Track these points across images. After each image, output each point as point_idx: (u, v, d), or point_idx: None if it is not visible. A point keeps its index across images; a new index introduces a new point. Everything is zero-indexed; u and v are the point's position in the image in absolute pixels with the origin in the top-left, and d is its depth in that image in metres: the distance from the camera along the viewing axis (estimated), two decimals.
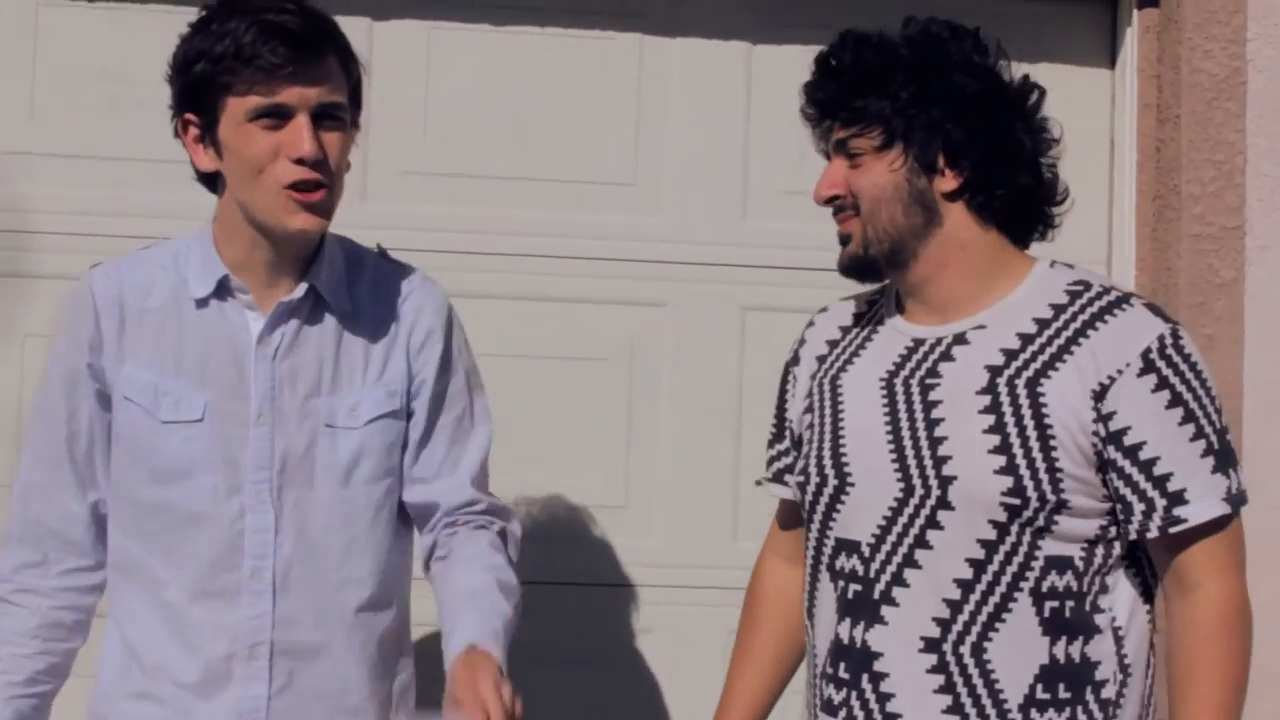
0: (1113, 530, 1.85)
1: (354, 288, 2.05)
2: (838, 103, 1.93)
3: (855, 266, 1.95)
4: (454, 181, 3.23)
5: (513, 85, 3.26)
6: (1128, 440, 1.81)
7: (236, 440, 1.96)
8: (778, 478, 2.14)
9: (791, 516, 2.14)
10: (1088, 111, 3.33)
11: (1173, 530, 1.81)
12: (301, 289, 1.99)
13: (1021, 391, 1.83)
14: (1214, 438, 1.82)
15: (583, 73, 3.27)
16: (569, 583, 3.23)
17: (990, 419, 1.84)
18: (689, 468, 3.22)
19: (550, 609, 3.22)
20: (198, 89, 1.90)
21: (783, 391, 2.14)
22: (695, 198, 3.28)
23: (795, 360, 2.13)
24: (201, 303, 1.98)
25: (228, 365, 1.97)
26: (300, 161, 1.88)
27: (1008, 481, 1.81)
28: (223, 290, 1.98)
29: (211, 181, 2.00)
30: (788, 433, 2.12)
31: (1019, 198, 1.94)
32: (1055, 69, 3.33)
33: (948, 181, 1.89)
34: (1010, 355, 1.86)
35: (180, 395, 1.96)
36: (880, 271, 1.95)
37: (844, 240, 1.94)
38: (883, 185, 1.89)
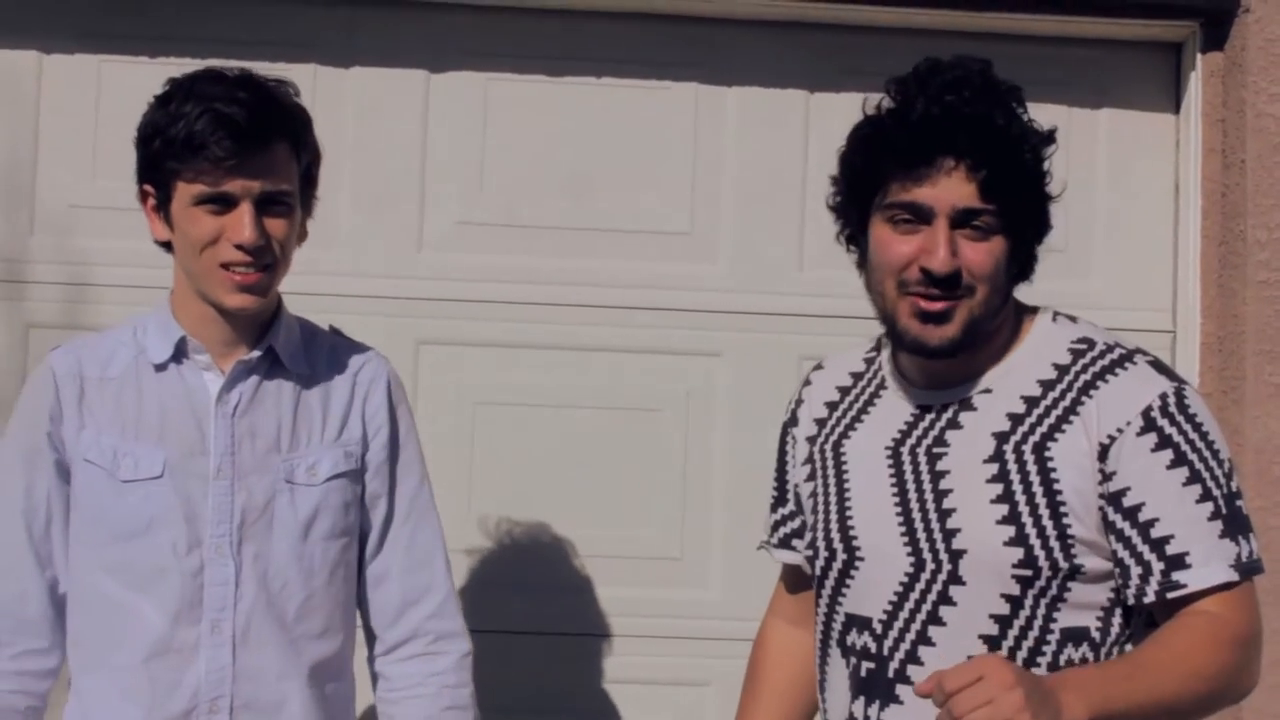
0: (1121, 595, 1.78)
1: (311, 354, 2.11)
2: (993, 170, 1.73)
3: (947, 350, 1.78)
4: (510, 232, 3.24)
5: (569, 136, 3.27)
6: (1127, 501, 1.72)
7: (197, 495, 1.99)
8: (784, 543, 2.08)
9: (796, 581, 2.10)
10: (1152, 157, 3.30)
11: (1170, 595, 1.71)
12: (259, 350, 2.05)
13: (1029, 457, 1.76)
14: (1223, 502, 1.72)
15: (639, 122, 3.27)
16: (626, 635, 3.21)
17: (998, 488, 1.77)
18: (746, 519, 3.18)
19: (607, 661, 3.20)
20: (153, 165, 1.98)
21: (782, 453, 2.08)
22: (752, 247, 3.27)
23: (794, 421, 2.06)
24: (160, 367, 2.03)
25: (187, 423, 2.01)
26: (240, 247, 1.94)
27: (1018, 552, 1.74)
28: (180, 354, 2.03)
29: (170, 246, 2.06)
30: (790, 497, 2.06)
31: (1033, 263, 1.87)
32: (1120, 114, 3.31)
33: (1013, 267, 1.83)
34: (1016, 420, 1.79)
35: (140, 455, 1.99)
36: (958, 355, 1.81)
37: (939, 318, 1.76)
38: (1000, 272, 1.77)
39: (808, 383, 2.06)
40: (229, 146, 1.90)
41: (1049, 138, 1.82)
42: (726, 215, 3.28)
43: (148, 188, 2.01)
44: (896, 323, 1.80)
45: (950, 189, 1.75)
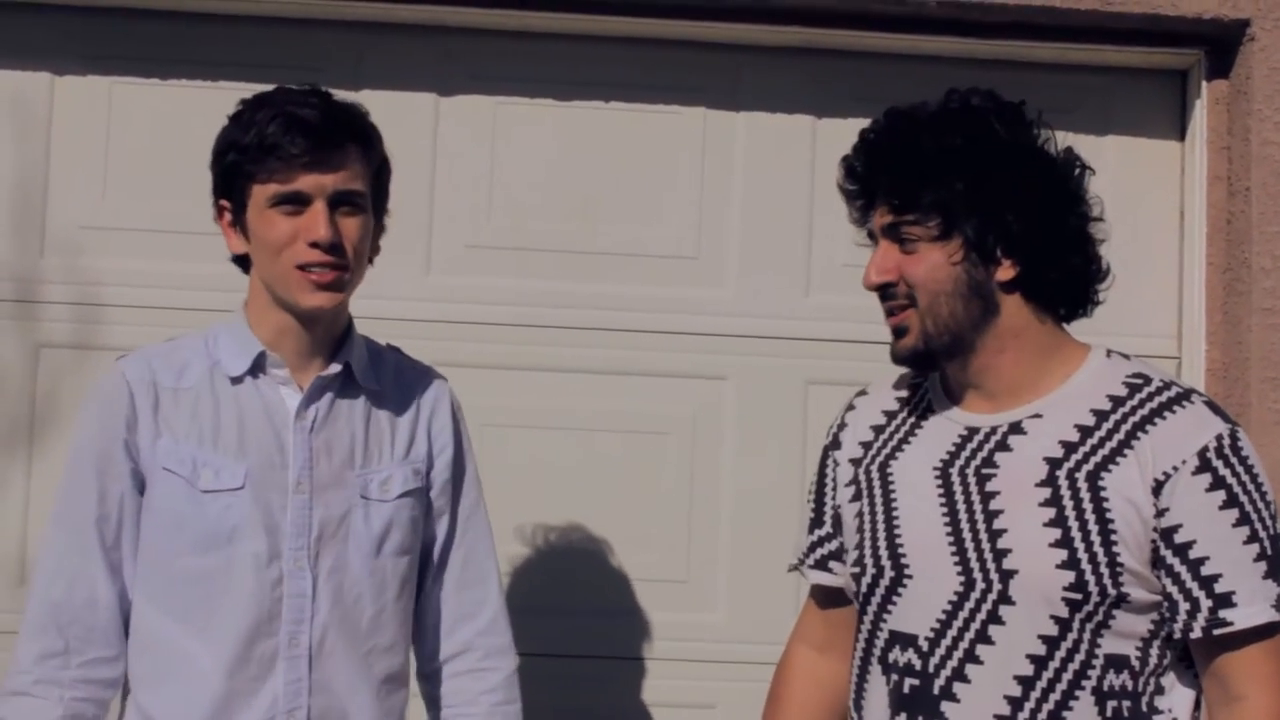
0: (1164, 628, 1.81)
1: (379, 372, 2.15)
2: (891, 188, 1.87)
3: (913, 359, 1.90)
4: (518, 255, 3.25)
5: (577, 160, 3.28)
6: (1178, 538, 1.77)
7: (276, 508, 2.02)
8: (821, 564, 2.09)
9: (828, 603, 2.11)
10: (1157, 184, 3.31)
11: (1217, 632, 1.76)
12: (337, 365, 2.08)
13: (1082, 485, 1.80)
14: (1268, 543, 1.78)
15: (646, 147, 3.29)
16: (631, 657, 3.21)
17: (1051, 512, 1.80)
18: (752, 542, 3.19)
19: (613, 684, 3.20)
20: (229, 177, 2.02)
21: (821, 476, 2.10)
22: (758, 271, 3.28)
23: (835, 444, 2.09)
24: (237, 380, 2.05)
25: (266, 436, 2.04)
26: (315, 245, 1.98)
27: (1069, 576, 1.78)
28: (257, 367, 2.06)
29: (244, 263, 2.09)
30: (828, 519, 2.08)
31: (1070, 280, 1.90)
32: (1125, 141, 3.32)
33: (1005, 271, 1.86)
34: (1069, 448, 1.83)
35: (220, 466, 2.01)
36: (936, 364, 1.92)
37: (899, 332, 1.90)
38: (942, 279, 1.85)
39: (851, 408, 2.10)
40: (302, 144, 1.95)
41: (1028, 153, 1.90)
42: (733, 240, 3.29)
43: (224, 202, 2.06)
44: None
45: (879, 216, 1.91)
